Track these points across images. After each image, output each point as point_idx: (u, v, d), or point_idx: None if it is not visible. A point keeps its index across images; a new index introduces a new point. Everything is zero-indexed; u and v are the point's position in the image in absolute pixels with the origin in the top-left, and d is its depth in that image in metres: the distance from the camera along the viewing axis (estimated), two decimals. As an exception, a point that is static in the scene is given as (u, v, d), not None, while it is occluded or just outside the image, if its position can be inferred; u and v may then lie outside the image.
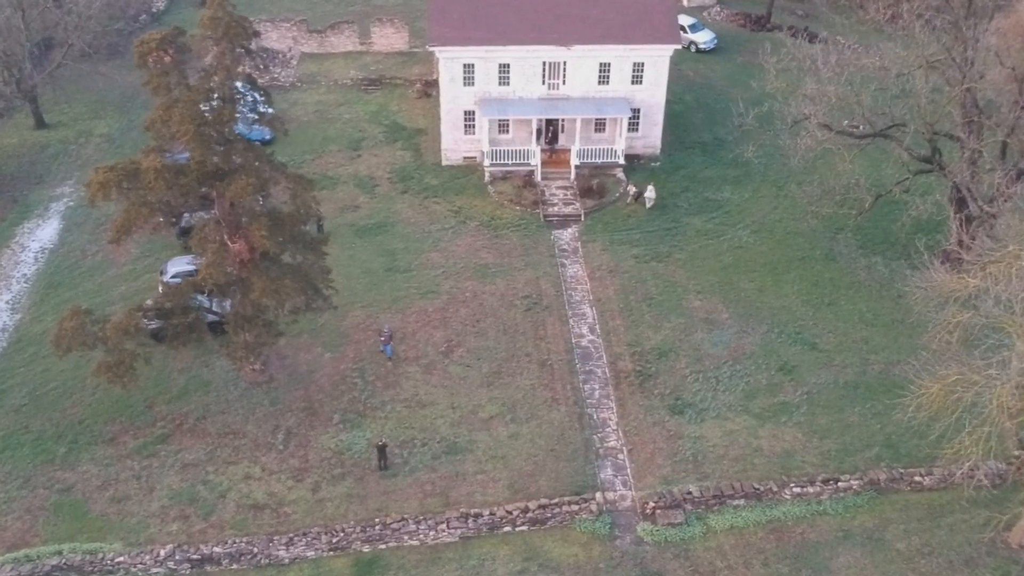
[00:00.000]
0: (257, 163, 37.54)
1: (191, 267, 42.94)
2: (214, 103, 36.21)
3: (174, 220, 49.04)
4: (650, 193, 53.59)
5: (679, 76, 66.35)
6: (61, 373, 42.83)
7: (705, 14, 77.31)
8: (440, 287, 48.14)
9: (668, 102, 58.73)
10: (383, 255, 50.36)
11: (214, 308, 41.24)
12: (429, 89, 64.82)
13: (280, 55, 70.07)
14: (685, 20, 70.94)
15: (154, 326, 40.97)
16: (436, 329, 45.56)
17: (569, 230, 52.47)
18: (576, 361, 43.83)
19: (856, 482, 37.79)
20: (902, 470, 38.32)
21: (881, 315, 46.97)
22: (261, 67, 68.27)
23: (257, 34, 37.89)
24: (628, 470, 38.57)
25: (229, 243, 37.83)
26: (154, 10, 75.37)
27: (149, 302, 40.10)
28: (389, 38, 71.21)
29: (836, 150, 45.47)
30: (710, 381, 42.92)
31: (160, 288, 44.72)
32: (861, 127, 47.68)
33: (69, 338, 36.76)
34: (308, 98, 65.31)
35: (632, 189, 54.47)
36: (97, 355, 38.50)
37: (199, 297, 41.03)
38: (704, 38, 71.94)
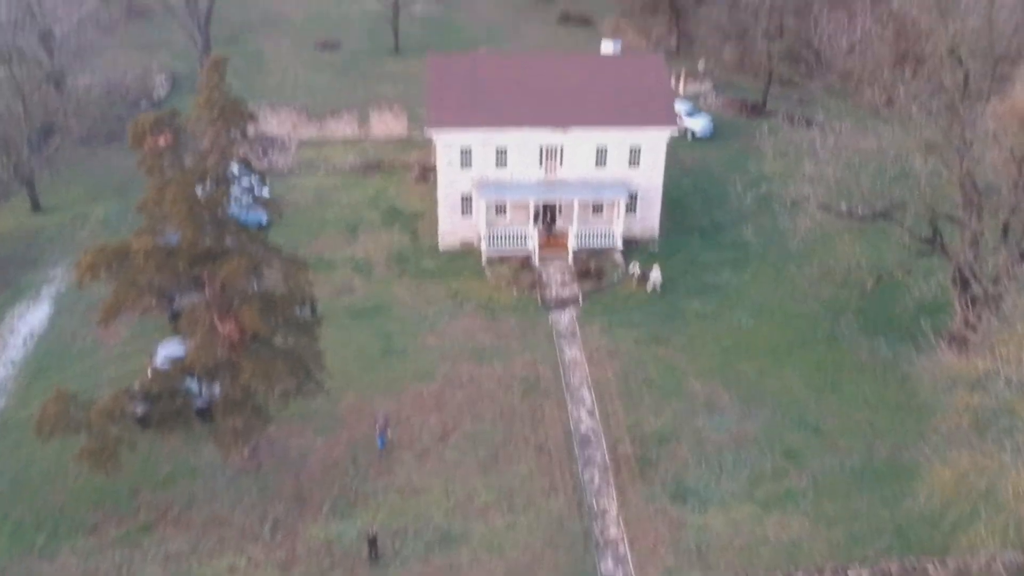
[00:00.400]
0: (250, 245, 37.05)
1: (182, 350, 42.10)
2: (208, 185, 35.90)
3: (166, 302, 48.33)
4: (656, 275, 53.13)
5: (676, 161, 66.50)
6: (44, 459, 41.55)
7: (701, 100, 78.15)
8: (436, 370, 47.20)
9: (665, 187, 58.68)
10: (378, 338, 49.56)
11: (203, 393, 40.24)
12: (427, 173, 64.93)
13: (279, 141, 70.44)
14: (681, 107, 71.61)
15: (141, 411, 39.91)
16: (431, 413, 44.46)
17: (567, 313, 51.79)
18: (575, 447, 42.63)
19: (866, 573, 36.23)
20: (915, 561, 36.76)
21: (886, 398, 45.95)
22: (260, 152, 68.65)
23: (253, 117, 37.88)
24: (630, 562, 37.01)
25: (219, 325, 37.06)
26: (155, 96, 76.13)
27: (136, 386, 39.06)
28: (388, 124, 71.77)
29: (836, 232, 45.13)
30: (713, 467, 41.65)
31: (149, 372, 43.77)
32: (860, 209, 47.65)
33: (52, 423, 35.67)
34: (306, 183, 65.42)
35: (637, 271, 54.01)
36: (81, 440, 37.33)
37: (189, 381, 40.18)
38: (700, 124, 72.51)
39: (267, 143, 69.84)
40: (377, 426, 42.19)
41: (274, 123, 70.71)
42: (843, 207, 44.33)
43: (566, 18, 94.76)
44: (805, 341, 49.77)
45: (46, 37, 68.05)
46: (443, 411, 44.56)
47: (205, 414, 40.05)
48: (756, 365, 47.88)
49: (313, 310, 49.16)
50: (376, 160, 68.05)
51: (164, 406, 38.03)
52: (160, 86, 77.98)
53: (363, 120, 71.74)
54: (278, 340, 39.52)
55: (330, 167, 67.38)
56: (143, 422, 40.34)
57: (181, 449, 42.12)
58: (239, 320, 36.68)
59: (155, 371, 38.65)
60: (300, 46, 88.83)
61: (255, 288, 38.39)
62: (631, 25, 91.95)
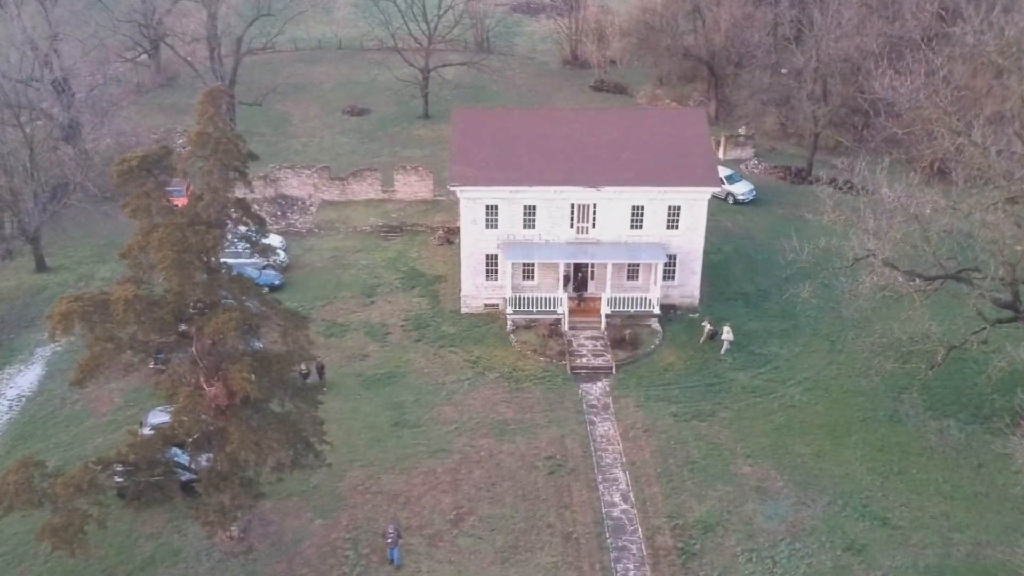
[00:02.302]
0: (244, 297, 33.11)
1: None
2: (199, 228, 32.20)
3: (159, 364, 44.42)
4: (727, 335, 49.05)
5: (717, 227, 62.46)
6: (14, 536, 37.28)
7: (742, 167, 74.30)
8: (452, 445, 42.54)
9: (706, 252, 54.45)
10: (390, 408, 45.12)
11: (191, 464, 35.92)
12: (451, 236, 61.27)
13: (299, 202, 67.44)
14: (722, 172, 67.56)
15: (122, 483, 35.64)
16: (445, 494, 39.65)
17: (599, 384, 47.11)
18: (607, 535, 37.52)
19: None
20: None
21: (961, 486, 40.49)
22: (279, 213, 65.83)
23: (253, 155, 34.38)
24: (670, 673, 31.62)
25: (205, 387, 32.89)
26: (170, 154, 73.65)
27: (113, 455, 34.76)
28: (412, 186, 68.55)
29: (904, 294, 40.25)
30: (765, 562, 36.31)
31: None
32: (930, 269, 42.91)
33: (12, 494, 31.30)
34: (324, 244, 61.98)
35: (707, 327, 49.82)
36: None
37: (176, 451, 35.97)
38: (742, 189, 68.53)
39: (287, 204, 66.98)
40: (387, 538, 36.29)
41: (294, 183, 67.79)
42: (908, 268, 39.53)
43: (600, 86, 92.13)
44: (865, 420, 44.60)
45: (62, 91, 66.10)
46: (458, 491, 39.75)
47: (192, 488, 35.63)
48: (812, 446, 42.73)
49: (321, 374, 45.26)
50: (399, 222, 64.61)
51: (142, 478, 33.65)
52: (180, 147, 75.70)
53: (387, 182, 68.61)
54: (274, 406, 35.31)
55: (350, 229, 63.98)
56: (124, 495, 36.13)
57: (164, 528, 37.66)
58: (228, 381, 32.48)
59: (132, 438, 34.37)
60: (328, 111, 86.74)
61: (249, 346, 34.25)
62: (668, 93, 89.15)
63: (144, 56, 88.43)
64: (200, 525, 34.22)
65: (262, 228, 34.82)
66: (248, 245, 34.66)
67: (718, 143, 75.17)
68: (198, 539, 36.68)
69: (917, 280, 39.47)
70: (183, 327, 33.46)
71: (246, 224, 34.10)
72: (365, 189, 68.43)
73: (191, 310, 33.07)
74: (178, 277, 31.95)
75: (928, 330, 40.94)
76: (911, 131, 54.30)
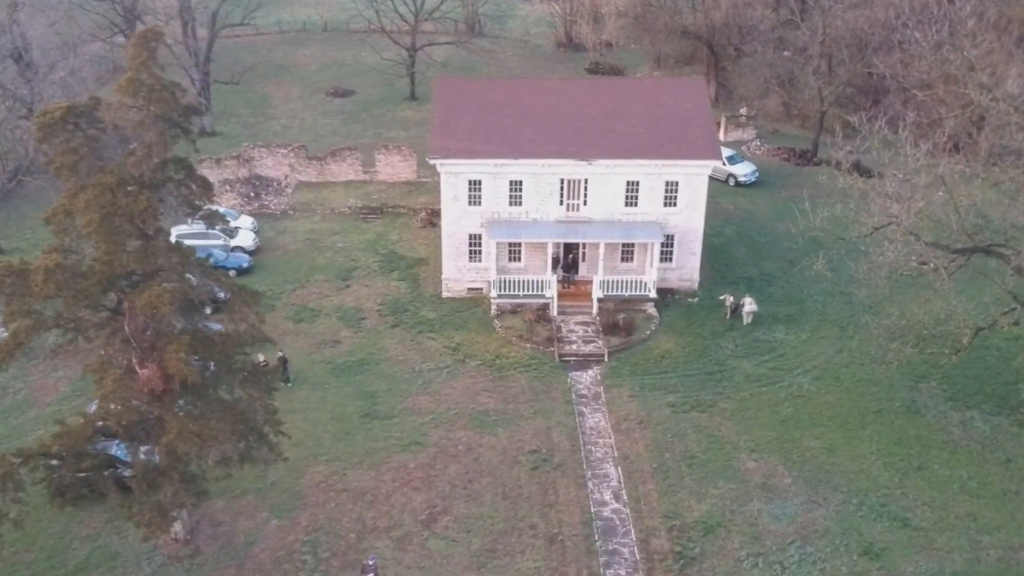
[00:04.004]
0: (183, 267, 29.22)
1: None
2: (131, 189, 28.35)
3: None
4: (750, 306, 46.26)
5: (718, 209, 58.67)
6: (-65, 539, 33.39)
7: (744, 148, 70.43)
8: (427, 438, 38.66)
9: (707, 235, 50.63)
10: (361, 398, 41.23)
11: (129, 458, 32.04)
12: (435, 218, 57.30)
13: (274, 183, 63.51)
14: (723, 152, 63.77)
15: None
16: (417, 491, 35.75)
17: (590, 372, 43.25)
18: (596, 537, 33.65)
19: None
20: None
21: (988, 484, 36.66)
22: (251, 194, 61.98)
23: (198, 111, 30.61)
24: None
25: (138, 369, 28.98)
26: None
27: (36, 446, 30.86)
28: (395, 167, 64.65)
29: (929, 269, 36.23)
30: (773, 568, 32.45)
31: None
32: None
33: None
34: (299, 226, 58.08)
35: (730, 299, 46.82)
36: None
37: (117, 444, 32.20)
38: (744, 171, 64.69)
39: (261, 185, 63.10)
40: (366, 573, 31.42)
41: (269, 163, 63.90)
42: (933, 240, 35.53)
43: (596, 68, 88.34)
44: (881, 411, 40.74)
45: (26, 66, 62.18)
46: (431, 488, 35.86)
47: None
48: (823, 439, 38.87)
49: (284, 367, 41.50)
50: (379, 204, 60.74)
51: (67, 472, 29.77)
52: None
53: (368, 162, 64.74)
54: (223, 393, 31.43)
55: (327, 210, 60.10)
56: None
57: (103, 529, 33.80)
58: (163, 363, 28.58)
59: (60, 427, 30.44)
60: (311, 93, 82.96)
61: (194, 326, 30.35)
62: (665, 75, 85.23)
63: (120, 37, 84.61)
64: (135, 526, 30.29)
65: (207, 192, 30.85)
66: (192, 212, 30.69)
67: (718, 124, 71.25)
68: (139, 542, 32.75)
69: (941, 253, 35.43)
70: (116, 303, 29.62)
71: (187, 187, 30.14)
72: (345, 170, 64.53)
73: (123, 282, 29.21)
74: (106, 244, 28.15)
75: (953, 310, 36.99)
76: (933, 92, 50.31)
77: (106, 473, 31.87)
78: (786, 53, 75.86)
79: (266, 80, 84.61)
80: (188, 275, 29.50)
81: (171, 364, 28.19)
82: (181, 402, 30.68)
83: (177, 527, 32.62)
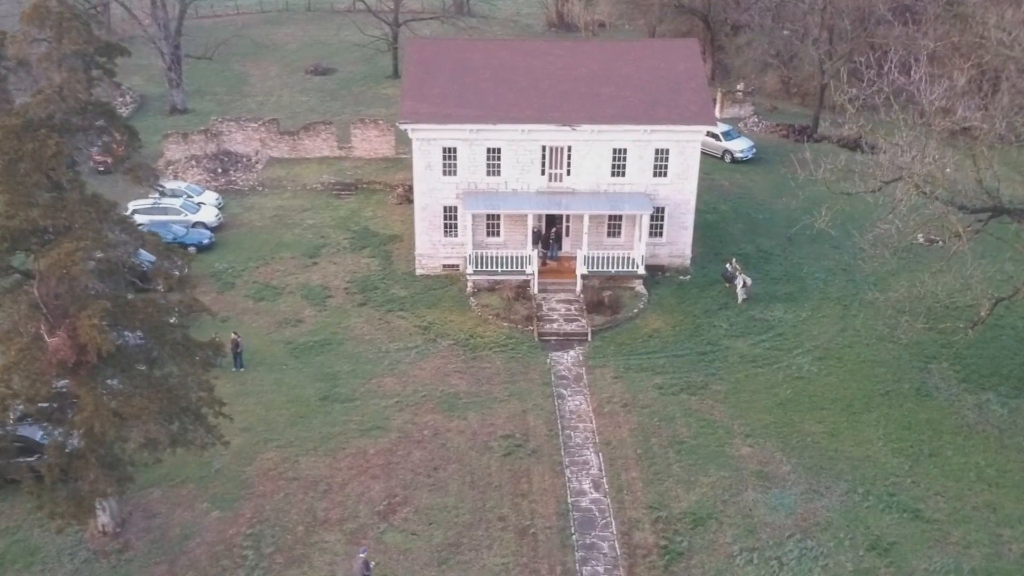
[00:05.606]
0: (99, 222, 25.75)
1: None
2: (39, 133, 24.88)
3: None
4: (743, 284, 43.34)
5: (713, 185, 55.35)
6: None
7: (741, 125, 67.02)
8: (390, 422, 35.22)
9: (701, 211, 47.31)
10: (321, 380, 37.80)
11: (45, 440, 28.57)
12: (411, 195, 53.75)
13: (244, 158, 60.07)
14: (718, 127, 60.45)
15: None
16: (375, 479, 32.30)
17: (571, 352, 39.83)
18: (572, 530, 30.22)
19: None
20: None
21: (1008, 472, 33.24)
22: (219, 170, 58.51)
23: (123, 50, 27.10)
24: None
25: (47, 338, 25.53)
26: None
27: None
28: (372, 142, 61.22)
29: (944, 239, 32.70)
30: (770, 564, 29.01)
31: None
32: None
33: None
34: (267, 203, 54.65)
35: (730, 268, 44.39)
36: None
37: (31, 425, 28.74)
38: (741, 146, 61.31)
39: (229, 161, 59.66)
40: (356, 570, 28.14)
41: (239, 138, 60.48)
42: (948, 199, 31.99)
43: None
44: (888, 393, 37.32)
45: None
46: (392, 477, 32.40)
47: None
48: (824, 423, 35.44)
49: (236, 351, 38.07)
50: (354, 180, 57.29)
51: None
52: (123, 105, 68.38)
53: (344, 138, 61.31)
54: (157, 370, 27.97)
55: (299, 187, 56.65)
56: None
57: (24, 522, 30.32)
58: (74, 331, 25.13)
59: None
60: (290, 71, 79.72)
61: (112, 290, 26.90)
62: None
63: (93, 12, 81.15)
64: (47, 517, 26.83)
65: (134, 141, 27.38)
66: (116, 165, 27.24)
67: (714, 100, 67.89)
68: (63, 535, 29.31)
69: (958, 213, 31.90)
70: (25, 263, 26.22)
71: (109, 135, 26.71)
72: (319, 145, 61.10)
73: (33, 240, 25.78)
74: (10, 194, 24.70)
75: (969, 279, 33.48)
76: (947, 41, 46.78)
77: (23, 460, 28.49)
78: (785, 32, 72.64)
79: (244, 58, 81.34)
80: (101, 228, 25.93)
81: (83, 332, 24.72)
82: (113, 382, 27.38)
83: (104, 519, 29.25)
